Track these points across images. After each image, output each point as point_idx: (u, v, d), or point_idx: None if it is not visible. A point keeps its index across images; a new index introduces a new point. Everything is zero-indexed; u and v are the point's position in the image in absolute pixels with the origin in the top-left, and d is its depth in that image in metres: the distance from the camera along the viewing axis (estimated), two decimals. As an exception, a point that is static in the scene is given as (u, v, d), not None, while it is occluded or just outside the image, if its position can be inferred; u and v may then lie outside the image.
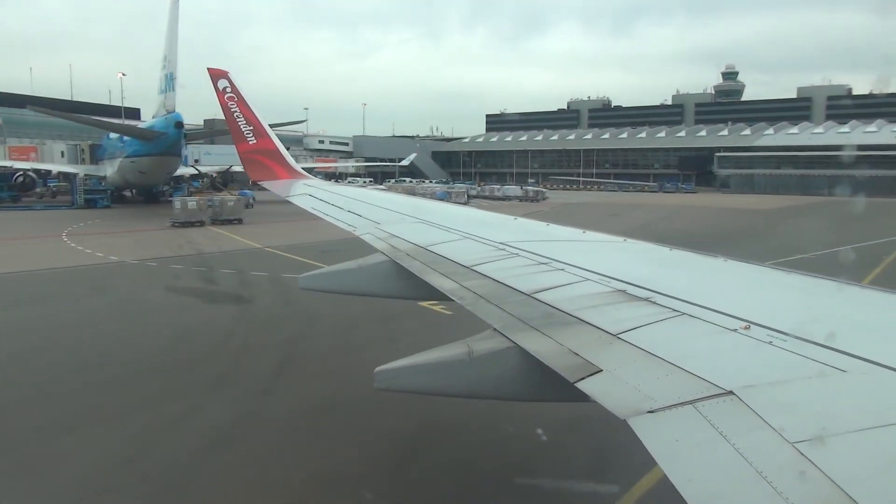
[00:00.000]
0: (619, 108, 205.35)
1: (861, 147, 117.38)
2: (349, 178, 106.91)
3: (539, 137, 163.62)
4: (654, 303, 4.31)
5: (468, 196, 76.60)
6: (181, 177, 65.06)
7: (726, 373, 3.04)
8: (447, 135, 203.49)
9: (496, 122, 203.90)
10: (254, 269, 25.93)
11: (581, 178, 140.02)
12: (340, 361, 14.45)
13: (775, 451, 2.33)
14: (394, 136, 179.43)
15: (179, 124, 51.83)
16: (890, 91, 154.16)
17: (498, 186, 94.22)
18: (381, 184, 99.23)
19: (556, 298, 4.70)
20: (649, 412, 2.81)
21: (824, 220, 58.59)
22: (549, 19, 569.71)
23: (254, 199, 60.51)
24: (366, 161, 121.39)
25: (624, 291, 4.69)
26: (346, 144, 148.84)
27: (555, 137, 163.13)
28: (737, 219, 56.48)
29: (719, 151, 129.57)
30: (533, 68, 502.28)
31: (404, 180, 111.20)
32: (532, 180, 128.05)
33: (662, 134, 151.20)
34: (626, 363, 3.39)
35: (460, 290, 5.49)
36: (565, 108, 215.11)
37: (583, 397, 3.21)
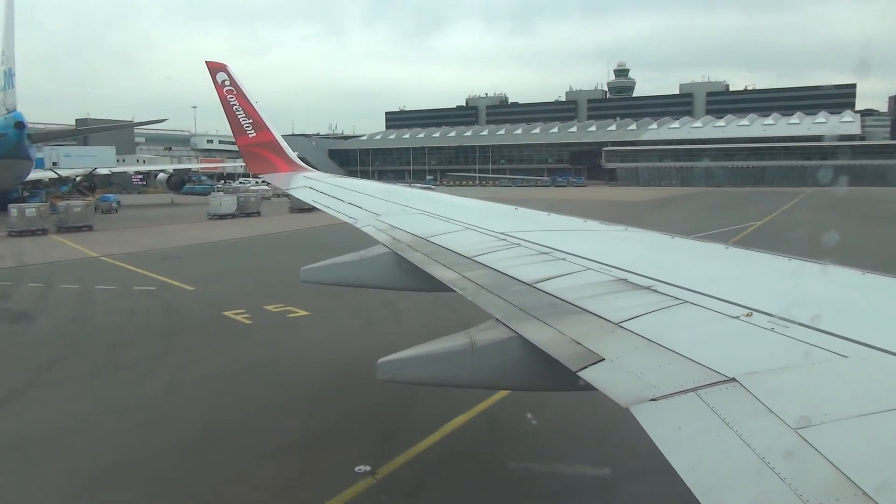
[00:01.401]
0: (515, 104, 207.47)
1: (734, 140, 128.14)
2: (240, 179, 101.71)
3: (437, 134, 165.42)
4: (656, 291, 4.31)
5: None
6: (39, 181, 59.32)
7: (728, 360, 3.04)
8: (348, 133, 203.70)
9: (396, 120, 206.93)
10: (67, 281, 23.44)
11: (478, 175, 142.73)
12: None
13: (778, 438, 2.34)
14: (291, 135, 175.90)
15: (20, 124, 45.61)
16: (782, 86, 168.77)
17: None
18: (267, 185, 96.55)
19: (558, 288, 4.70)
20: (652, 400, 2.82)
21: (691, 209, 60.97)
22: (451, 16, 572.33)
23: (118, 203, 56.83)
24: None
25: (625, 280, 4.69)
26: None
27: (452, 134, 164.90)
28: (606, 210, 56.04)
29: (606, 146, 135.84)
30: (435, 65, 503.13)
31: None
32: (430, 177, 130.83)
33: (555, 130, 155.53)
34: (628, 352, 3.40)
35: (462, 280, 5.50)
36: (464, 104, 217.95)
37: (586, 386, 3.22)
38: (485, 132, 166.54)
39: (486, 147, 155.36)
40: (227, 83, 15.02)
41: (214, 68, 15.10)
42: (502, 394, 10.54)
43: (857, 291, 4.38)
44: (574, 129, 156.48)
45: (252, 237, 38.62)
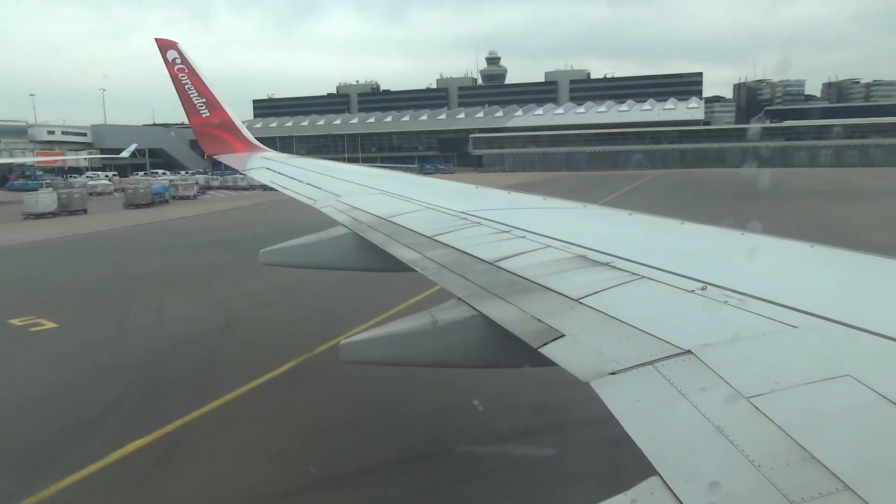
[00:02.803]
0: (387, 92, 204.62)
1: (593, 126, 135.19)
2: (87, 173, 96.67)
3: (305, 123, 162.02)
4: (615, 267, 4.38)
5: (199, 187, 70.16)
6: None
7: (684, 333, 3.12)
8: None
9: (264, 108, 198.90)
10: None
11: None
12: None
13: (731, 407, 2.41)
14: (151, 125, 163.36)
15: None
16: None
17: (242, 175, 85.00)
18: (127, 176, 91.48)
19: (519, 266, 4.74)
20: (611, 374, 2.88)
21: (543, 193, 62.07)
22: (324, 2, 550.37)
23: None
24: (101, 153, 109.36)
25: (584, 257, 4.75)
26: (84, 135, 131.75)
27: (321, 122, 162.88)
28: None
29: (474, 133, 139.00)
30: (309, 52, 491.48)
31: (157, 172, 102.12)
32: None
33: (425, 117, 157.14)
34: (588, 327, 3.45)
35: (423, 260, 5.49)
36: (335, 92, 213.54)
37: (547, 362, 3.26)
38: (354, 120, 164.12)
39: (355, 135, 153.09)
40: (178, 61, 14.55)
41: (164, 45, 14.60)
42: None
43: (806, 264, 4.53)
44: (443, 116, 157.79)
45: (59, 239, 34.07)
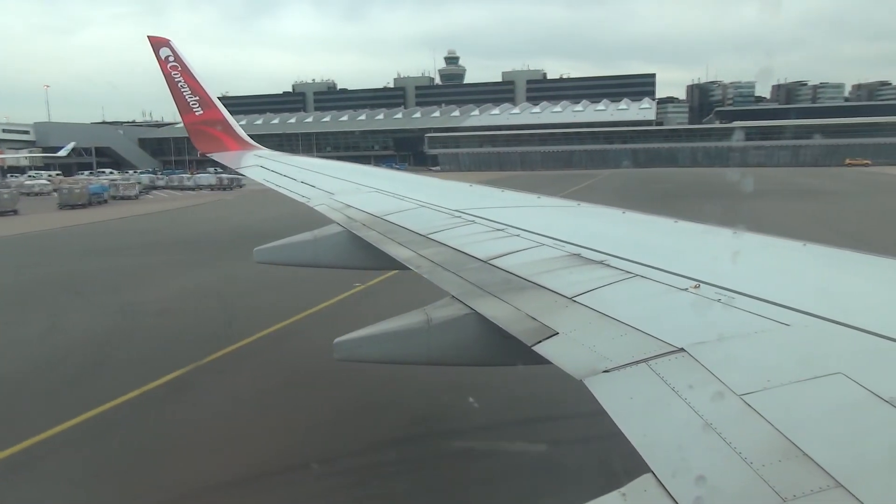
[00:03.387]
0: (344, 90, 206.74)
1: (548, 125, 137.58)
2: (30, 173, 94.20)
3: (259, 122, 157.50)
4: (608, 265, 4.39)
5: (142, 187, 68.59)
6: None
7: (677, 331, 3.13)
8: (169, 120, 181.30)
9: None
10: None
11: None
12: None
13: (724, 404, 2.42)
14: (100, 123, 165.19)
15: None
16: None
17: (188, 175, 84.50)
18: (73, 175, 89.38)
19: (513, 264, 4.74)
20: (604, 372, 2.89)
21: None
22: None
23: None
24: (44, 152, 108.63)
25: (579, 255, 4.76)
26: (27, 133, 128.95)
27: (276, 121, 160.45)
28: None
29: (430, 132, 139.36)
30: (265, 50, 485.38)
31: (103, 172, 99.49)
32: None
33: (381, 116, 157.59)
34: (581, 325, 3.46)
35: (417, 258, 5.49)
36: (291, 91, 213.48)
37: (541, 360, 3.27)
38: (310, 119, 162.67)
39: (310, 134, 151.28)
40: (172, 59, 14.49)
41: (157, 43, 14.54)
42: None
43: (798, 262, 4.55)
44: (400, 115, 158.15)
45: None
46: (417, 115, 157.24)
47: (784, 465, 2.02)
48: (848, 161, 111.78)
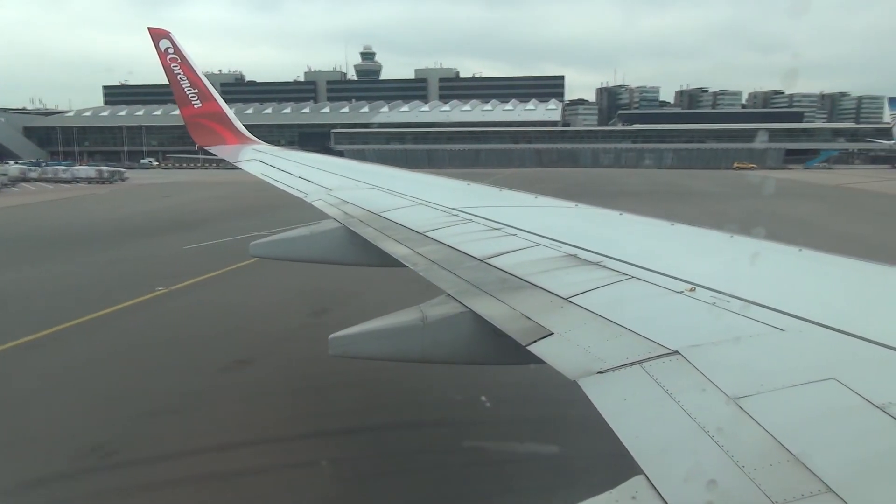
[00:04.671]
0: (252, 83, 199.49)
1: (456, 124, 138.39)
2: None
3: (158, 112, 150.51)
4: (605, 267, 4.39)
5: (8, 179, 65.76)
6: None
7: (672, 333, 3.14)
8: (63, 108, 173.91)
9: (117, 95, 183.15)
10: None
11: (202, 156, 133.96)
12: None
13: (717, 408, 2.43)
14: None
15: None
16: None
17: (64, 168, 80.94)
18: None
19: (509, 263, 4.74)
20: (598, 373, 2.89)
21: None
22: None
23: None
24: None
25: (575, 256, 4.76)
26: None
27: (175, 112, 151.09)
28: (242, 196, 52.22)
29: (337, 128, 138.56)
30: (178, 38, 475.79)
31: None
32: (150, 159, 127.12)
33: (288, 110, 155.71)
34: (576, 326, 3.46)
35: (413, 256, 5.49)
36: None
37: (535, 360, 3.27)
38: None
39: None
40: (171, 51, 14.45)
41: (157, 35, 14.50)
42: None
43: (793, 268, 4.56)
44: (307, 110, 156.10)
45: None
46: (326, 109, 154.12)
47: (776, 469, 2.02)
48: (736, 165, 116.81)
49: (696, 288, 3.70)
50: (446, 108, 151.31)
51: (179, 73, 14.50)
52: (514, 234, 5.69)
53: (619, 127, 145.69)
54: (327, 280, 15.97)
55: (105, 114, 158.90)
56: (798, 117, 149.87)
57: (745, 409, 2.36)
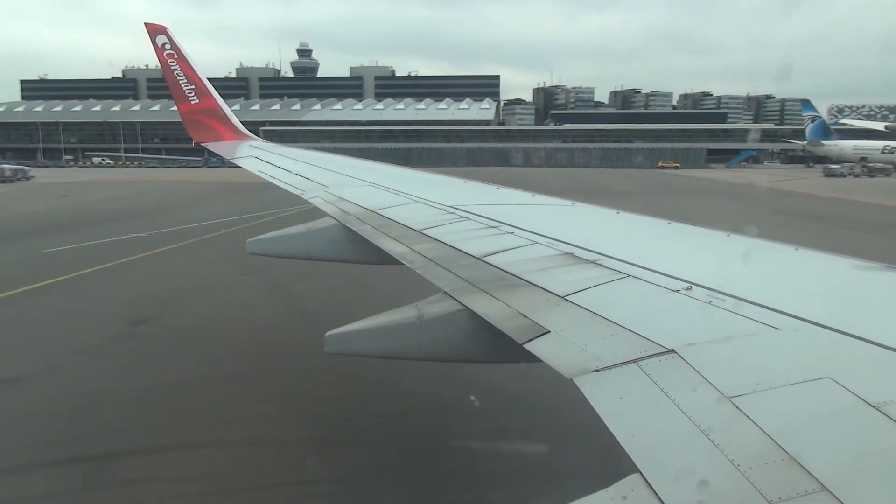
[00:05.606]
0: None
1: (390, 122, 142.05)
2: None
3: (78, 108, 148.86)
4: (601, 265, 4.40)
5: None
6: None
7: (668, 332, 3.14)
8: None
9: (35, 90, 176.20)
10: None
11: (125, 154, 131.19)
12: None
13: (712, 406, 2.43)
14: None
15: None
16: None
17: None
18: None
19: (506, 262, 4.75)
20: (595, 371, 2.89)
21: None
22: None
23: None
24: None
25: (572, 254, 4.77)
26: None
27: (97, 108, 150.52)
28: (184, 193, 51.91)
29: (266, 125, 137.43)
30: (101, 32, 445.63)
31: None
32: (68, 157, 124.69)
33: None
34: (573, 324, 3.46)
35: (410, 253, 5.48)
36: (121, 76, 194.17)
37: (531, 358, 3.27)
38: (136, 107, 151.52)
39: (134, 123, 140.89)
40: (168, 47, 14.41)
41: (154, 30, 14.45)
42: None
43: (790, 267, 4.57)
44: (237, 107, 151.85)
45: None
46: (256, 107, 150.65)
47: (771, 468, 2.03)
48: (660, 164, 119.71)
49: (693, 287, 3.71)
50: (380, 106, 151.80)
51: (176, 69, 14.46)
52: (511, 232, 5.70)
53: (551, 126, 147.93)
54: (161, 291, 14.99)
55: (20, 109, 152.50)
56: (722, 118, 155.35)
57: (740, 407, 2.37)
